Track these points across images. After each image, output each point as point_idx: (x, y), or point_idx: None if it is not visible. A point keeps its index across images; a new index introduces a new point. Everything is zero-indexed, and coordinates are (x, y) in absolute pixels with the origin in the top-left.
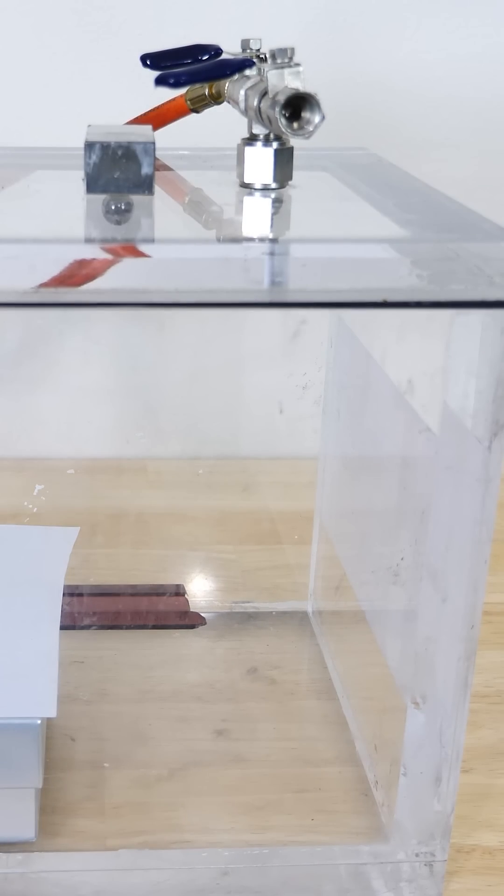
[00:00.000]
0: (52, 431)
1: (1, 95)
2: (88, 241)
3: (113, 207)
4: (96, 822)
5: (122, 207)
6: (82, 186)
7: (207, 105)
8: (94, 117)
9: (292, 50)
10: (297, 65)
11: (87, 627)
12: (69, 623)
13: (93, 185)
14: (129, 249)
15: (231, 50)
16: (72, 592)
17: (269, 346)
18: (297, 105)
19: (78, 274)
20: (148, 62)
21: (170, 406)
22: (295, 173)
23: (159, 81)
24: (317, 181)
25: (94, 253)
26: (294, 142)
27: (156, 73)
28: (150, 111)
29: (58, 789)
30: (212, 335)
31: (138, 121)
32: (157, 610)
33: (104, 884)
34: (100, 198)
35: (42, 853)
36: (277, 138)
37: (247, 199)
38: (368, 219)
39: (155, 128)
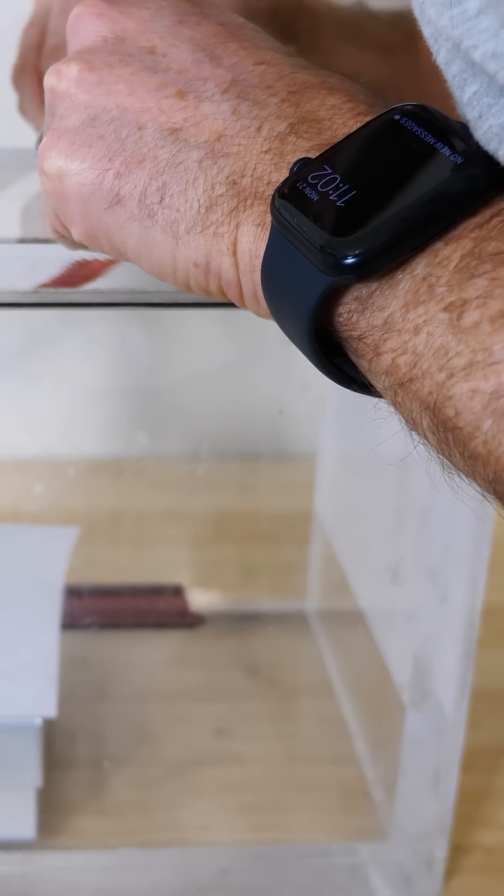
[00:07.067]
0: (52, 431)
1: (1, 95)
2: None
3: None
4: (96, 821)
5: None
6: None
7: None
8: None
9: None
10: None
11: (87, 627)
12: (69, 623)
13: None
14: None
15: None
16: (72, 592)
17: (269, 346)
18: None
19: (78, 274)
20: None
21: (170, 406)
22: None
23: None
24: None
25: (94, 253)
26: None
27: None
28: None
29: (58, 789)
30: (212, 335)
31: None
32: (156, 610)
33: (104, 883)
34: None
35: (42, 852)
36: None
37: None
38: None
39: None
